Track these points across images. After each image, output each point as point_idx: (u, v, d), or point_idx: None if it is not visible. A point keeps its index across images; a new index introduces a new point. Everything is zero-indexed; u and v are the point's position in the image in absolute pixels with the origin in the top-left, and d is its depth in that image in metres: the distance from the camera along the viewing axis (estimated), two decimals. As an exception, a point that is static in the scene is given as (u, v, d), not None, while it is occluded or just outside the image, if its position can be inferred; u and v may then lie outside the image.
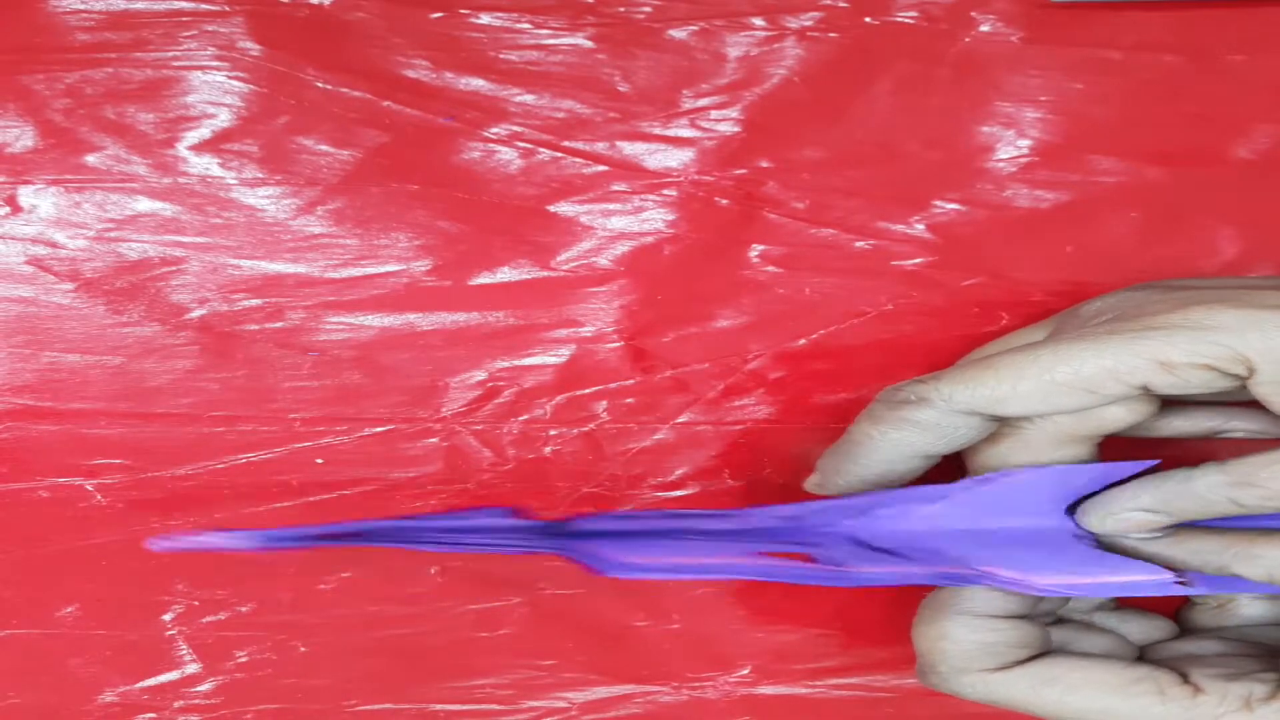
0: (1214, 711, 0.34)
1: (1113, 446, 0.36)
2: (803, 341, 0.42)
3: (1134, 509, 0.35)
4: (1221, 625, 0.39)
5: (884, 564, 0.36)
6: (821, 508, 0.37)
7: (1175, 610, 0.40)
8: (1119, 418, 0.35)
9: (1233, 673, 0.35)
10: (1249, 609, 0.39)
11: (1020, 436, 0.35)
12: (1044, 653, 0.36)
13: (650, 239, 0.41)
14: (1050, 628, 0.38)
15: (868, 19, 0.40)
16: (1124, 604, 0.40)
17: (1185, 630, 0.40)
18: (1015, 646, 0.36)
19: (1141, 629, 0.39)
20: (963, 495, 0.36)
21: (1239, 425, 0.37)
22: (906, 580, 0.36)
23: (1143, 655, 0.38)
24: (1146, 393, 0.34)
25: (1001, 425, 0.36)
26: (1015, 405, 0.34)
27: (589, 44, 0.40)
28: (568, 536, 0.37)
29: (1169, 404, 0.36)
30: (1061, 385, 0.34)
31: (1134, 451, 0.36)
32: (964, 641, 0.35)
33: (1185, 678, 0.35)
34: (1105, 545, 0.36)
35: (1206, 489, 0.34)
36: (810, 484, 0.38)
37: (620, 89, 0.40)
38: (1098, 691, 0.35)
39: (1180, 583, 0.35)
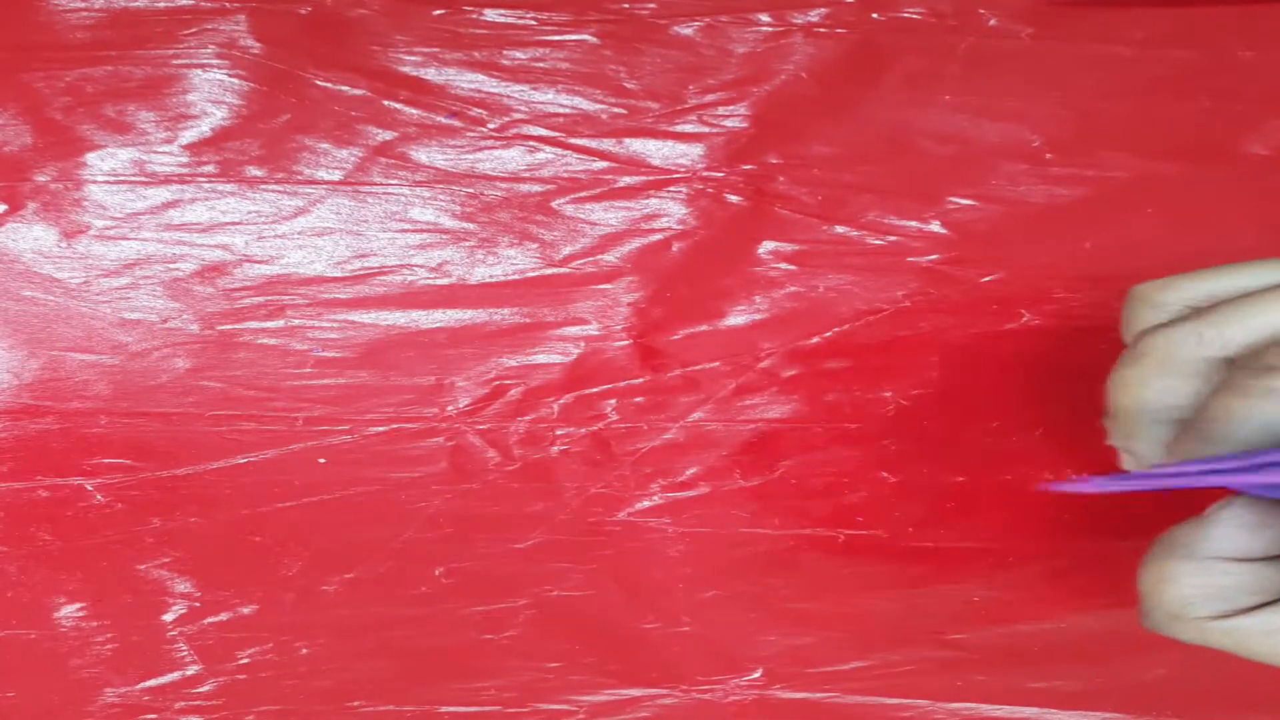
0: None
1: None
2: (816, 339, 0.43)
3: None
4: None
5: None
6: None
7: None
8: None
9: None
10: None
11: None
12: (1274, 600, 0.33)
13: (659, 235, 0.42)
14: None
15: (875, 15, 0.40)
16: None
17: None
18: (1246, 592, 0.33)
19: None
20: None
21: None
22: None
23: None
24: None
25: None
26: None
27: (594, 40, 0.41)
28: None
29: None
30: None
31: None
32: (1186, 585, 0.33)
33: None
34: None
35: None
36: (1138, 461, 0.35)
37: (626, 85, 0.41)
38: None
39: None
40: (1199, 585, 0.32)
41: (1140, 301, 0.35)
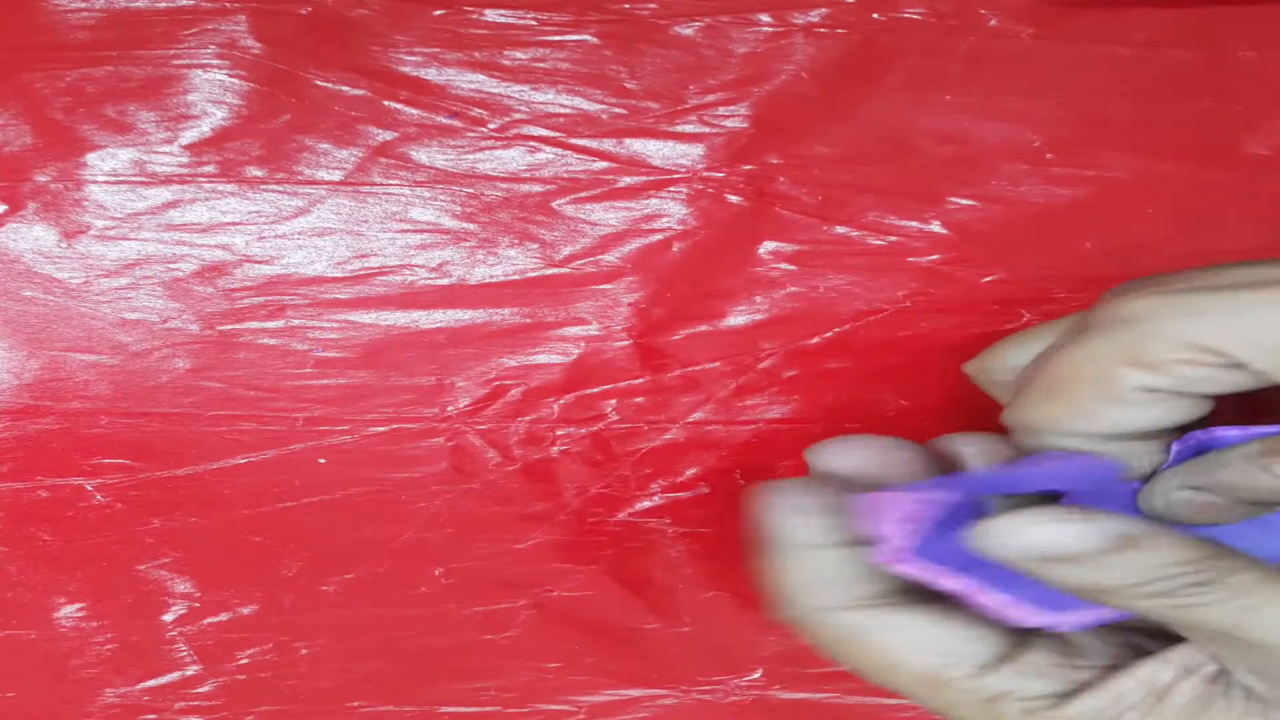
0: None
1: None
2: (816, 339, 0.43)
3: (1178, 487, 0.33)
4: None
5: None
6: None
7: None
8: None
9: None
10: None
11: None
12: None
13: (659, 236, 0.42)
14: None
15: (875, 15, 0.40)
16: None
17: None
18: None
19: None
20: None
21: None
22: None
23: None
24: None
25: None
26: None
27: (594, 40, 0.41)
28: None
29: None
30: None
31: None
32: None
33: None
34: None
35: (1242, 458, 0.32)
36: None
37: (627, 85, 0.41)
38: None
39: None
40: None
41: (978, 379, 0.39)
